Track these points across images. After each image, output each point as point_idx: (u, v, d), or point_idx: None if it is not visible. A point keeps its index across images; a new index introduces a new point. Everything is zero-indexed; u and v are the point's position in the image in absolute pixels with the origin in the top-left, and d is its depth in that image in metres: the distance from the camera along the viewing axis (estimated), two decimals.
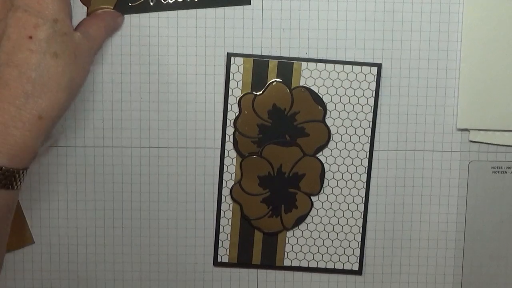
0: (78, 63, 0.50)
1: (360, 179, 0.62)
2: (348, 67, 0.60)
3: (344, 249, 0.63)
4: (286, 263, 0.63)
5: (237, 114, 0.61)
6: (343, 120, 0.61)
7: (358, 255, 0.63)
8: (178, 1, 0.60)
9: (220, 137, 0.62)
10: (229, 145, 0.62)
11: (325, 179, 0.62)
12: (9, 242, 0.62)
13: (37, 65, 0.47)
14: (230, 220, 0.63)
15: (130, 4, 0.60)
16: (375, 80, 0.61)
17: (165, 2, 0.59)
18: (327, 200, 0.62)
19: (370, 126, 0.61)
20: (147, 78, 0.61)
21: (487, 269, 0.63)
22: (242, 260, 0.63)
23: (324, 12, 0.60)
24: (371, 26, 0.60)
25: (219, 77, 0.61)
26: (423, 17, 0.60)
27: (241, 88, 0.61)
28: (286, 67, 0.60)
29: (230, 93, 0.61)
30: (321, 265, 0.63)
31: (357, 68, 0.60)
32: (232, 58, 0.60)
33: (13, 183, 0.49)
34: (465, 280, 0.63)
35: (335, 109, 0.61)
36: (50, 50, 0.48)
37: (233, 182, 0.62)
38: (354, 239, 0.63)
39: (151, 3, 0.59)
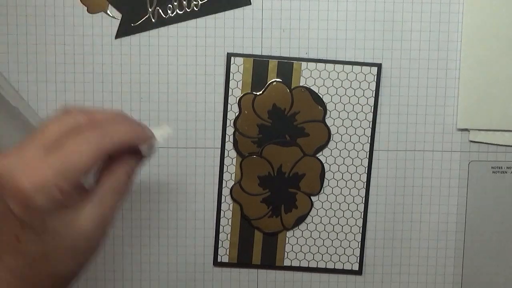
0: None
1: (360, 179, 0.62)
2: (348, 67, 0.60)
3: (344, 249, 0.63)
4: (286, 263, 0.63)
5: (237, 114, 0.61)
6: (343, 120, 0.61)
7: (358, 255, 0.63)
8: (179, 13, 0.60)
9: (220, 137, 0.62)
10: (229, 145, 0.62)
11: (325, 179, 0.62)
12: None
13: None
14: (230, 220, 0.63)
15: (132, 25, 0.60)
16: (375, 80, 0.61)
17: (166, 17, 0.60)
18: (327, 200, 0.62)
19: (370, 126, 0.61)
20: (147, 78, 0.61)
21: (487, 269, 0.63)
22: (242, 260, 0.63)
23: (324, 12, 0.60)
24: (371, 26, 0.60)
25: (219, 77, 0.61)
26: (423, 17, 0.60)
27: (241, 88, 0.61)
28: (286, 67, 0.60)
29: (230, 93, 0.61)
30: (321, 265, 0.63)
31: (357, 68, 0.60)
32: (232, 58, 0.60)
33: None
34: (465, 280, 0.63)
35: (335, 109, 0.61)
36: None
37: (233, 182, 0.62)
38: (354, 239, 0.63)
39: (153, 20, 0.60)
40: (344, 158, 0.62)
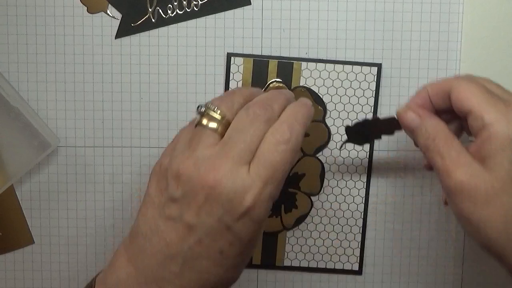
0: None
1: (360, 179, 0.62)
2: (348, 67, 0.60)
3: (344, 249, 0.63)
4: (286, 263, 0.63)
5: None
6: (343, 120, 0.61)
7: (358, 255, 0.63)
8: (179, 13, 0.60)
9: None
10: None
11: (325, 179, 0.62)
12: (9, 242, 0.62)
13: (217, 275, 0.47)
14: None
15: (132, 25, 0.60)
16: (375, 80, 0.61)
17: (166, 17, 0.60)
18: (327, 200, 0.62)
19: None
20: (147, 78, 0.61)
21: (487, 269, 0.63)
22: None
23: (324, 12, 0.60)
24: (371, 26, 0.60)
25: (219, 77, 0.61)
26: (423, 17, 0.60)
27: None
28: (286, 67, 0.60)
29: None
30: (321, 265, 0.63)
31: (357, 68, 0.60)
32: (232, 58, 0.60)
33: None
34: (465, 280, 0.63)
35: (335, 109, 0.61)
36: (233, 264, 0.48)
37: None
38: (354, 239, 0.63)
39: (153, 20, 0.60)
40: (344, 158, 0.62)
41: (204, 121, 0.48)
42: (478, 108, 0.46)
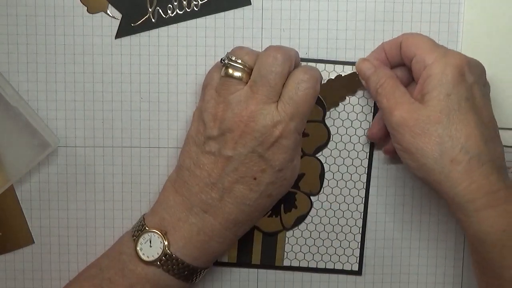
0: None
1: (360, 179, 0.62)
2: (348, 67, 0.60)
3: (344, 249, 0.63)
4: (286, 263, 0.63)
5: None
6: (343, 120, 0.61)
7: (358, 255, 0.63)
8: (179, 13, 0.60)
9: None
10: None
11: (325, 179, 0.62)
12: (9, 242, 0.62)
13: (253, 200, 0.54)
14: None
15: (132, 25, 0.60)
16: None
17: (166, 17, 0.60)
18: (327, 200, 0.62)
19: (370, 126, 0.61)
20: (147, 78, 0.61)
21: None
22: (242, 260, 0.63)
23: (324, 12, 0.60)
24: (371, 26, 0.60)
25: None
26: (423, 17, 0.60)
27: None
28: None
29: None
30: (321, 265, 0.63)
31: None
32: None
33: (193, 278, 0.56)
34: (465, 280, 0.63)
35: (335, 109, 0.61)
36: (266, 192, 0.55)
37: None
38: (354, 239, 0.63)
39: (153, 20, 0.60)
40: (344, 158, 0.62)
41: (230, 71, 0.54)
42: (421, 51, 0.54)
